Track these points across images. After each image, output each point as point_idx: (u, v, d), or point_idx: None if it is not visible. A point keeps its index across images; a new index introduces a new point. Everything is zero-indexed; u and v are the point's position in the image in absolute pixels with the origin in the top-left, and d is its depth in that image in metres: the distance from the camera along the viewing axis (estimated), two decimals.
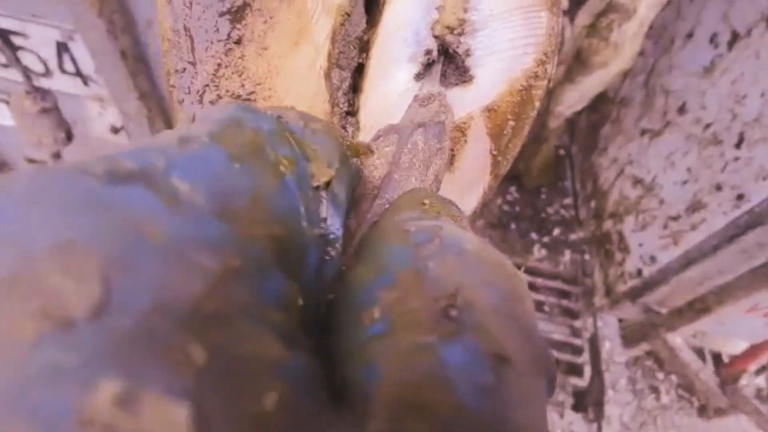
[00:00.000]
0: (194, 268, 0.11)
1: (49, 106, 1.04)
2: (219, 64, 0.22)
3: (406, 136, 0.22)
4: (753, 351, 1.34)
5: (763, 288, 1.11)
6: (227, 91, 0.22)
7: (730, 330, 1.32)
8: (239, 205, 0.13)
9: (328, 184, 0.17)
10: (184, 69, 0.22)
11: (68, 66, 1.04)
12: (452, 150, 0.25)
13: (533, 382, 0.13)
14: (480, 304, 0.14)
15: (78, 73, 1.05)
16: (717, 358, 1.50)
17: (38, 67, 1.05)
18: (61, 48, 1.00)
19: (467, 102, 0.25)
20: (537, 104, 0.25)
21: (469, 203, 0.26)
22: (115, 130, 1.19)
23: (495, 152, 0.25)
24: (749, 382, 1.31)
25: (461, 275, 0.14)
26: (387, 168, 0.22)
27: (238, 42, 0.22)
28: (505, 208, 1.69)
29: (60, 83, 1.07)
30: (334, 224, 0.17)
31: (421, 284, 0.14)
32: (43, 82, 1.07)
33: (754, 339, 1.32)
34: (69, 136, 1.12)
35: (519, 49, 0.24)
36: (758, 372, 1.32)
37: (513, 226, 1.64)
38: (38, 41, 0.99)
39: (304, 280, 0.15)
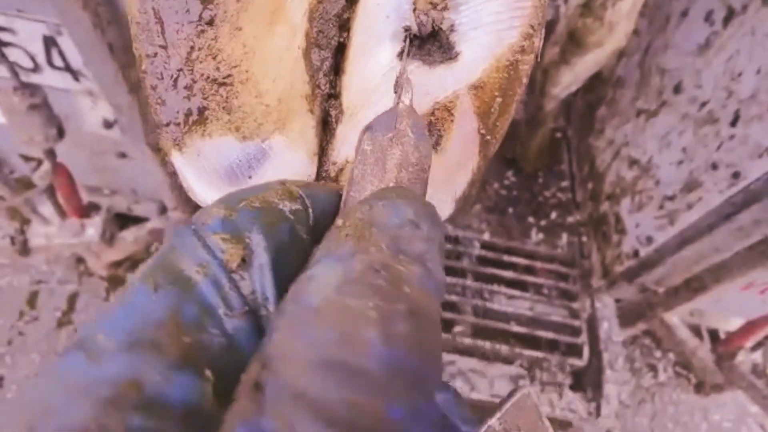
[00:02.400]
0: (95, 401, 0.15)
1: (38, 102, 1.02)
2: (192, 47, 0.21)
3: (359, 147, 0.22)
4: (749, 327, 1.35)
5: (759, 265, 1.11)
6: (202, 74, 0.22)
7: (727, 307, 1.33)
8: (150, 332, 0.17)
9: (244, 260, 0.20)
10: (155, 53, 0.21)
11: (57, 60, 1.02)
12: (439, 130, 0.24)
13: None
14: (288, 372, 0.15)
15: (67, 68, 1.03)
16: (714, 335, 1.51)
17: (27, 63, 1.03)
18: (49, 42, 0.98)
19: (453, 80, 0.24)
20: (525, 80, 0.24)
21: (458, 184, 0.26)
22: (108, 125, 1.17)
23: (483, 131, 0.25)
24: (745, 359, 1.32)
25: (285, 344, 0.16)
26: (347, 189, 0.22)
27: (211, 23, 0.21)
28: (503, 192, 1.68)
29: (50, 78, 1.05)
30: (264, 288, 0.20)
31: (255, 358, 0.16)
32: (33, 78, 1.05)
33: (750, 315, 1.33)
34: (60, 132, 1.10)
35: (504, 22, 0.23)
36: (754, 348, 1.33)
37: (510, 210, 1.64)
38: (25, 36, 0.97)
39: (229, 357, 0.19)
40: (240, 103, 0.22)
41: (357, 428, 0.14)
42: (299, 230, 0.22)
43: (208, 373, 0.17)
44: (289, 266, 0.20)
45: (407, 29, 0.24)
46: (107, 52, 0.86)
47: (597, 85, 1.63)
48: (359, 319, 0.16)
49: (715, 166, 1.15)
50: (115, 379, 0.16)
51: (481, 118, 0.24)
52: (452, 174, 0.25)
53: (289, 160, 0.24)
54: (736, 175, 1.09)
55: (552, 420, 1.41)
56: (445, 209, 0.26)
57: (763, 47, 1.04)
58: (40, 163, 1.27)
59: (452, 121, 0.24)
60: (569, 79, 1.23)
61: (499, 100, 0.24)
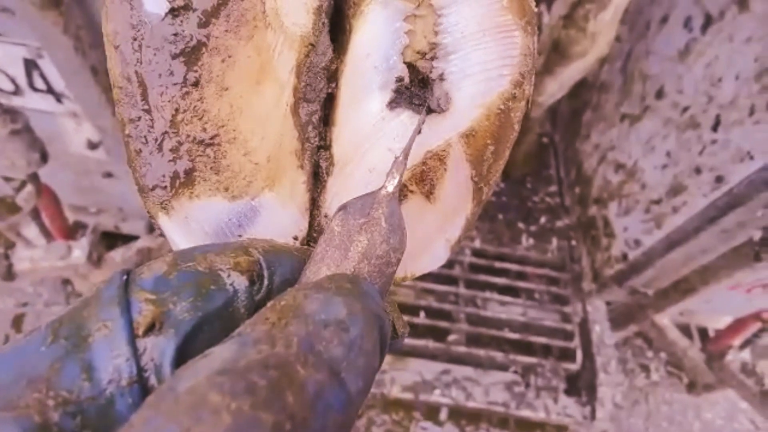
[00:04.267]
0: None
1: (19, 127, 1.00)
2: (177, 109, 0.21)
3: (329, 225, 0.22)
4: (737, 325, 1.37)
5: (744, 266, 1.13)
6: (188, 136, 0.21)
7: (715, 307, 1.35)
8: (18, 389, 0.17)
9: (152, 328, 0.19)
10: (139, 117, 0.21)
11: (39, 83, 1.00)
12: (432, 179, 0.24)
13: None
14: None
15: (50, 90, 1.01)
16: (703, 334, 1.53)
17: (7, 86, 1.01)
18: (30, 65, 0.96)
19: (444, 128, 0.24)
20: (517, 127, 0.24)
21: (451, 233, 0.25)
22: (93, 146, 1.15)
23: (476, 179, 0.24)
24: (735, 357, 1.34)
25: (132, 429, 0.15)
26: (306, 266, 0.22)
27: (196, 84, 0.20)
28: (492, 199, 1.69)
29: (32, 101, 1.03)
30: (162, 358, 0.19)
31: None
32: (15, 101, 1.03)
33: (738, 314, 1.36)
34: (44, 157, 1.08)
35: (494, 71, 0.23)
36: (743, 346, 1.35)
37: (500, 216, 1.65)
38: (5, 60, 0.95)
39: (104, 426, 0.18)
40: (228, 162, 0.22)
41: None
42: (238, 304, 0.21)
43: None
44: (213, 341, 0.19)
45: (400, 79, 0.23)
46: (90, 75, 0.85)
47: (582, 90, 1.65)
48: (210, 420, 0.15)
49: (698, 171, 1.17)
50: None
51: (473, 166, 0.24)
52: (446, 222, 0.25)
53: (280, 217, 0.23)
54: (719, 179, 1.11)
55: (548, 425, 1.42)
56: (440, 255, 0.25)
57: (741, 53, 1.06)
58: (23, 185, 1.24)
59: (445, 170, 0.24)
60: (554, 88, 1.25)
61: (491, 147, 0.24)
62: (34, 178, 1.11)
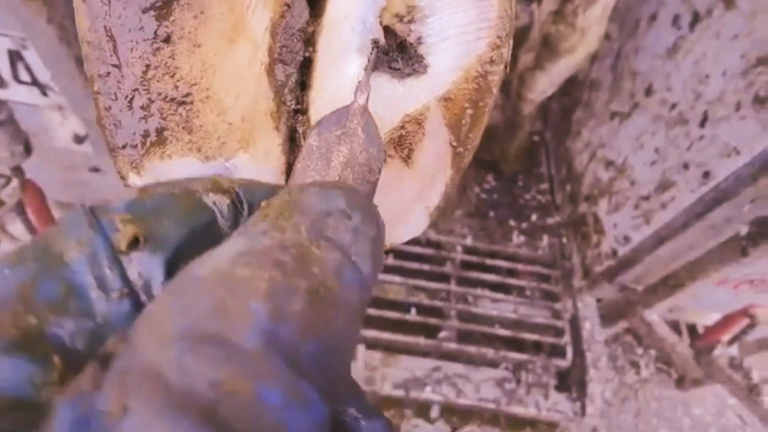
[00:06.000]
0: None
1: (2, 118, 0.98)
2: (147, 65, 0.20)
3: (305, 142, 0.22)
4: (725, 322, 1.39)
5: (732, 261, 1.14)
6: (159, 94, 0.21)
7: (703, 303, 1.36)
8: None
9: (136, 243, 0.18)
10: (108, 73, 0.20)
11: (23, 75, 0.99)
12: (410, 144, 0.24)
13: None
14: (145, 345, 0.13)
15: (34, 82, 1.00)
16: (692, 330, 1.55)
17: None
18: (14, 56, 0.95)
19: (422, 93, 0.24)
20: (495, 91, 0.24)
21: (431, 198, 0.25)
22: (79, 139, 1.14)
23: (455, 143, 0.24)
24: (723, 352, 1.35)
25: (152, 315, 0.15)
26: (288, 183, 0.21)
27: (167, 40, 0.20)
28: (483, 196, 1.69)
29: (16, 93, 1.01)
30: (151, 271, 0.19)
31: (116, 332, 0.15)
32: None
33: (726, 310, 1.37)
34: (27, 149, 1.07)
35: (471, 34, 0.23)
36: (730, 342, 1.37)
37: (492, 213, 1.65)
38: None
39: (97, 342, 0.17)
40: (201, 122, 0.22)
41: (217, 413, 0.12)
42: (222, 224, 0.20)
43: (56, 359, 0.16)
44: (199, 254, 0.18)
45: (375, 42, 0.23)
46: (75, 66, 0.83)
47: (572, 88, 1.66)
48: (246, 288, 0.14)
49: (686, 166, 1.18)
50: None
51: (452, 130, 0.24)
52: (425, 187, 0.25)
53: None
54: (706, 175, 1.12)
55: (539, 421, 1.42)
56: (419, 223, 0.25)
57: (727, 50, 1.07)
58: (8, 180, 1.22)
59: (423, 134, 0.24)
60: (545, 84, 1.26)
61: (469, 111, 0.24)
62: (18, 172, 1.09)
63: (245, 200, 0.21)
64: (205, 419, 0.11)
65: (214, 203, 0.20)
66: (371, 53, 0.23)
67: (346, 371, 0.16)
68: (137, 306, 0.18)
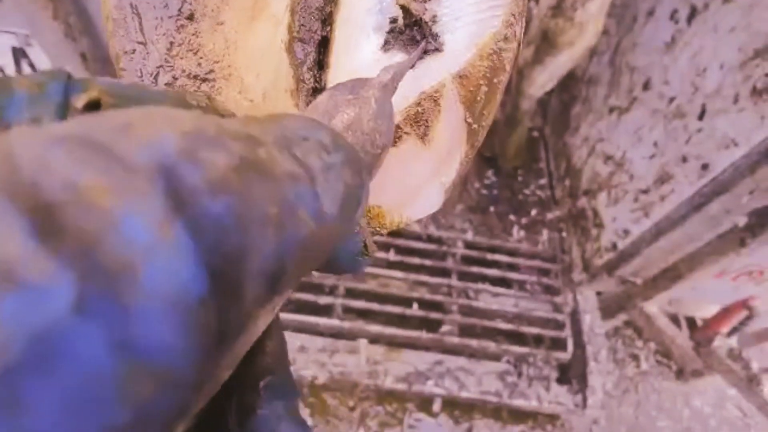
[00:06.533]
0: None
1: None
2: (171, 42, 0.21)
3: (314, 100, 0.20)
4: (724, 314, 1.40)
5: (730, 253, 1.15)
6: (183, 71, 0.21)
7: (702, 295, 1.37)
8: None
9: (95, 108, 0.17)
10: (134, 50, 0.21)
11: (28, 72, 0.99)
12: (426, 121, 0.25)
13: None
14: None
15: None
16: (691, 322, 1.56)
17: None
18: (19, 54, 0.95)
19: (438, 70, 0.24)
20: (508, 68, 0.24)
21: (447, 174, 0.26)
22: None
23: (470, 120, 0.25)
24: (722, 344, 1.37)
25: None
26: None
27: (191, 17, 0.20)
28: (484, 192, 1.70)
29: None
30: None
31: None
32: None
33: (724, 302, 1.38)
34: None
35: (486, 12, 0.23)
36: (730, 333, 1.38)
37: (492, 209, 1.66)
38: None
39: None
40: (223, 99, 0.22)
41: (53, 216, 0.09)
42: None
43: None
44: None
45: (393, 20, 0.24)
46: (80, 62, 0.84)
47: (571, 84, 1.67)
48: (166, 119, 0.11)
49: (685, 159, 1.19)
50: None
51: (467, 107, 0.25)
52: (441, 164, 0.25)
53: None
54: (704, 167, 1.13)
55: (541, 414, 1.43)
56: (436, 199, 0.26)
57: (725, 43, 1.08)
58: None
59: (439, 111, 0.24)
60: (544, 79, 1.26)
61: (484, 88, 0.24)
62: None
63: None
64: (32, 215, 0.09)
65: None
66: (391, 44, 0.24)
67: (259, 268, 0.12)
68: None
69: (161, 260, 0.10)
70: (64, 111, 0.16)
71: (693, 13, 1.17)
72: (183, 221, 0.10)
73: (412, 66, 0.23)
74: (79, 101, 0.16)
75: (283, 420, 0.18)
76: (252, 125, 0.14)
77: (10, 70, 1.00)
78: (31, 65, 0.99)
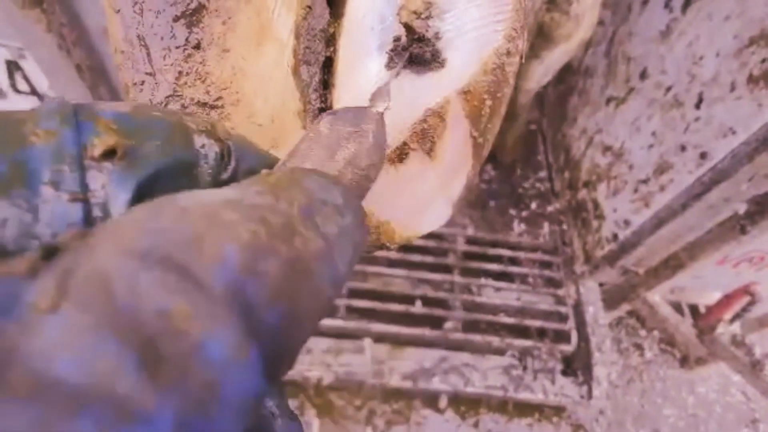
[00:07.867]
0: None
1: None
2: (180, 72, 0.21)
3: (315, 125, 0.22)
4: (726, 300, 1.41)
5: (731, 240, 1.16)
6: (192, 99, 0.21)
7: (704, 283, 1.38)
8: None
9: (112, 154, 0.17)
10: (143, 81, 0.21)
11: (21, 85, 0.98)
12: (432, 137, 0.25)
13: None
14: (100, 248, 0.12)
15: (33, 92, 1.00)
16: (694, 310, 1.57)
17: None
18: (12, 67, 0.95)
19: (443, 86, 0.24)
20: (512, 81, 0.25)
21: (455, 188, 0.26)
22: None
23: (475, 134, 0.25)
24: (725, 330, 1.38)
25: (116, 225, 0.14)
26: (286, 158, 0.21)
27: (197, 46, 0.21)
28: (483, 186, 1.70)
29: (14, 104, 1.01)
30: (118, 188, 0.17)
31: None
32: None
33: (727, 289, 1.39)
34: None
35: (488, 27, 0.23)
36: (732, 320, 1.39)
37: (492, 203, 1.66)
38: None
39: (30, 238, 0.16)
40: (233, 125, 0.22)
41: (153, 347, 0.10)
42: (204, 169, 0.19)
43: None
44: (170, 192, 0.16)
45: (397, 39, 0.24)
46: (74, 74, 0.83)
47: (567, 76, 1.67)
48: (227, 231, 0.13)
49: (683, 148, 1.19)
50: None
51: (472, 122, 0.25)
52: (448, 179, 0.26)
53: None
54: (703, 156, 1.13)
55: (546, 406, 1.44)
56: (442, 214, 0.26)
57: (720, 31, 1.08)
58: None
59: (444, 127, 0.24)
60: (541, 73, 1.26)
61: (488, 103, 0.24)
62: None
63: (234, 156, 0.20)
64: (136, 348, 0.10)
65: (203, 146, 0.19)
66: (395, 63, 0.24)
67: (293, 358, 0.15)
68: (87, 219, 0.16)
69: (236, 376, 0.12)
70: (79, 152, 0.16)
71: (688, 2, 1.17)
72: (256, 343, 0.12)
73: (397, 74, 0.24)
74: (96, 150, 0.17)
75: (278, 418, 0.19)
76: (281, 196, 0.16)
77: (4, 83, 1.00)
78: (26, 78, 0.99)
